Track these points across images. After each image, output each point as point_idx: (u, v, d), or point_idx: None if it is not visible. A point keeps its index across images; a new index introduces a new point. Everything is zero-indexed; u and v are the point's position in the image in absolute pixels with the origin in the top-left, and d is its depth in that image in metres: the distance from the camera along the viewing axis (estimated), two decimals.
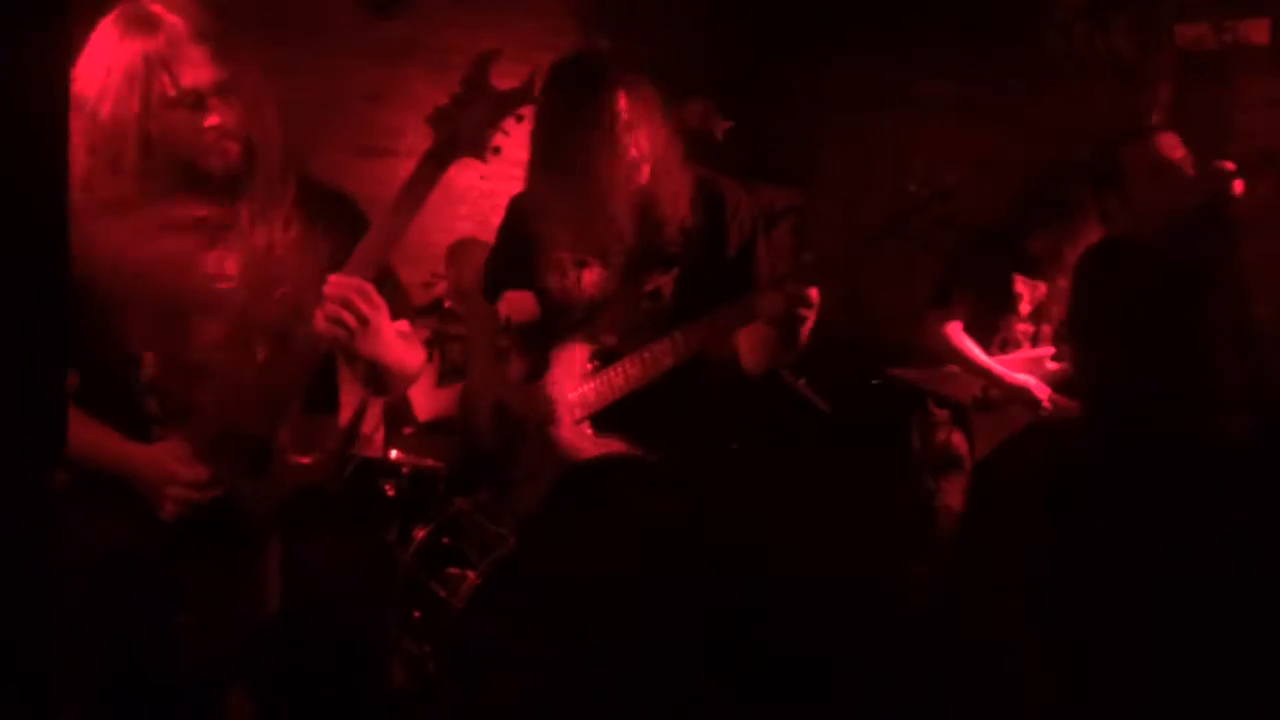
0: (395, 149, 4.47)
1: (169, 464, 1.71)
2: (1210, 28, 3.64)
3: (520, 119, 1.79)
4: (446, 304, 3.91)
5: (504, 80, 1.76)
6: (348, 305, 1.66)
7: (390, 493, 3.03)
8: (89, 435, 1.71)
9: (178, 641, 1.71)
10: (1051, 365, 3.34)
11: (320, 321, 1.67)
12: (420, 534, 3.02)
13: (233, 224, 1.73)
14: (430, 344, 3.52)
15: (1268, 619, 2.21)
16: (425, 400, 3.67)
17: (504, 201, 2.43)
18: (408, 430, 3.59)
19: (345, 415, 1.91)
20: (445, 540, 3.04)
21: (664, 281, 2.20)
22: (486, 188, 4.46)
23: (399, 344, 1.82)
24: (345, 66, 4.35)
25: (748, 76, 5.02)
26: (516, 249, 2.33)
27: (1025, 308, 3.33)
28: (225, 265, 1.74)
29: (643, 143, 2.09)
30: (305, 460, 1.78)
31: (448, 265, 4.00)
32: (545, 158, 2.15)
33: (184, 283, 1.72)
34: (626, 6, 4.53)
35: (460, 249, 3.91)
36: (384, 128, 4.46)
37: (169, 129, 1.63)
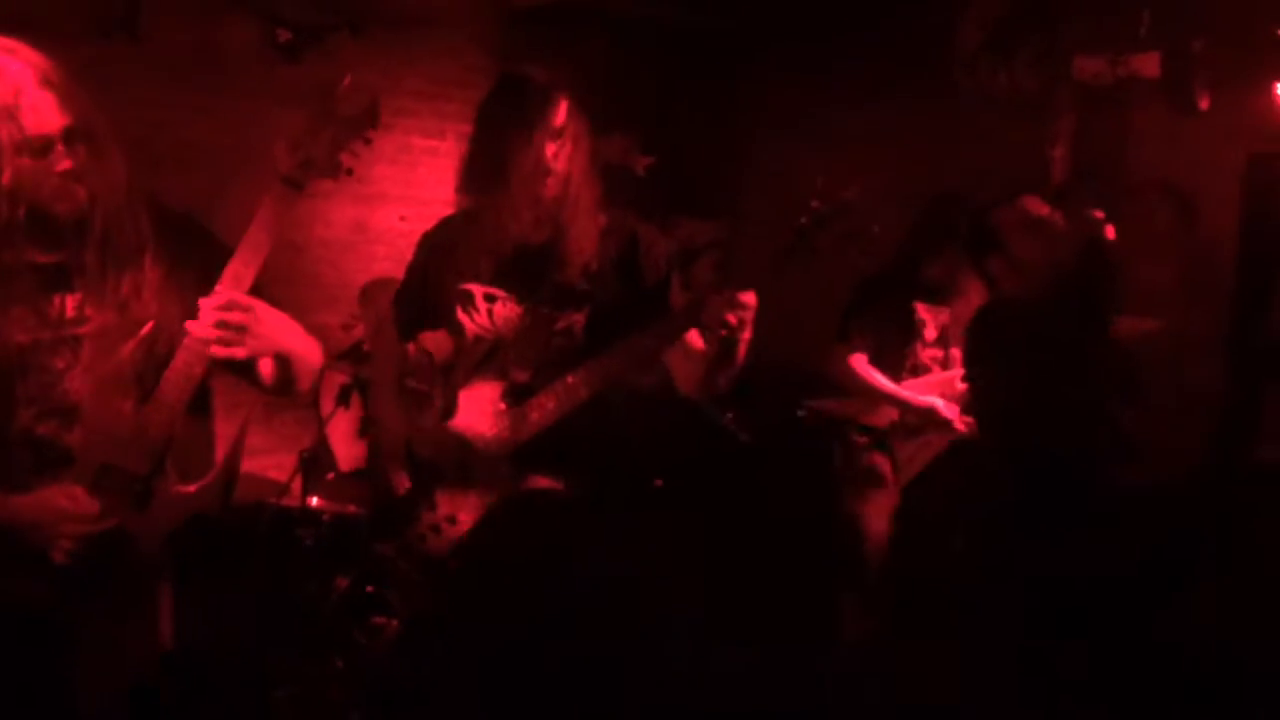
0: (310, 191, 4.41)
1: (59, 502, 1.70)
2: (1106, 62, 3.79)
3: (368, 141, 1.86)
4: (366, 347, 3.85)
5: (351, 107, 1.86)
6: (221, 324, 1.69)
7: (308, 541, 2.96)
8: None
9: (73, 686, 1.70)
10: (961, 386, 3.42)
11: (195, 345, 1.71)
12: (343, 583, 2.96)
13: (82, 268, 1.72)
14: (349, 389, 3.45)
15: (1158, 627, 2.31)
16: (348, 449, 3.60)
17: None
18: (330, 476, 3.52)
19: (227, 437, 1.89)
20: (369, 588, 2.98)
21: (576, 319, 2.20)
22: (405, 228, 4.43)
23: (292, 330, 1.84)
24: (259, 109, 4.29)
25: (666, 112, 5.08)
26: (427, 285, 2.32)
27: (931, 333, 3.41)
28: (83, 309, 1.74)
29: (563, 158, 2.15)
30: (189, 489, 1.78)
31: (361, 306, 3.95)
32: (473, 161, 2.21)
33: (41, 331, 1.71)
34: (544, 43, 4.56)
35: (374, 289, 3.86)
36: None
37: (17, 175, 1.61)
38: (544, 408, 2.15)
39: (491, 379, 2.22)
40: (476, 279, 2.24)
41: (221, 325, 1.69)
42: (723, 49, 5.12)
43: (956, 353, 3.44)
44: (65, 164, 1.64)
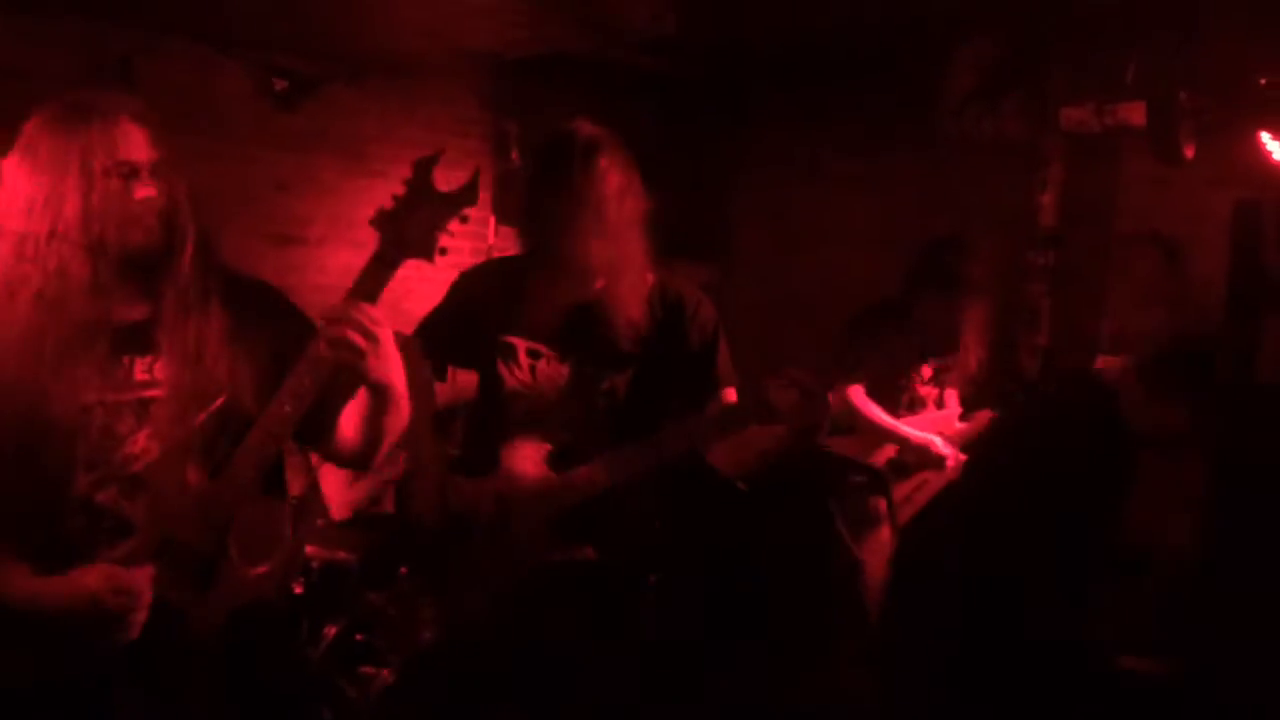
0: (305, 237, 4.44)
1: (94, 585, 1.60)
2: (1092, 111, 3.83)
3: (465, 219, 1.73)
4: None
5: (443, 181, 1.72)
6: (355, 324, 1.61)
7: (298, 590, 2.92)
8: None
9: None
10: (959, 425, 3.42)
11: (324, 347, 1.62)
12: (332, 631, 2.92)
13: (159, 320, 1.68)
14: None
15: None
16: (341, 495, 3.55)
17: (416, 286, 2.38)
18: (320, 523, 3.49)
19: (290, 521, 1.81)
20: (358, 637, 2.94)
21: (619, 381, 2.15)
22: (399, 274, 4.44)
23: (400, 372, 1.74)
24: (255, 156, 4.32)
25: (660, 159, 5.12)
26: (462, 326, 2.24)
27: (927, 371, 3.41)
28: (155, 371, 1.69)
29: (610, 212, 2.10)
30: (258, 570, 1.70)
31: None
32: (525, 219, 2.16)
33: (107, 393, 1.66)
34: (536, 90, 4.60)
35: None
36: (294, 216, 4.43)
37: (104, 197, 1.60)
38: (591, 479, 2.10)
39: (536, 438, 2.15)
40: (520, 333, 2.18)
41: (352, 323, 1.60)
42: (715, 96, 5.18)
43: (951, 393, 3.45)
44: (148, 191, 1.63)
